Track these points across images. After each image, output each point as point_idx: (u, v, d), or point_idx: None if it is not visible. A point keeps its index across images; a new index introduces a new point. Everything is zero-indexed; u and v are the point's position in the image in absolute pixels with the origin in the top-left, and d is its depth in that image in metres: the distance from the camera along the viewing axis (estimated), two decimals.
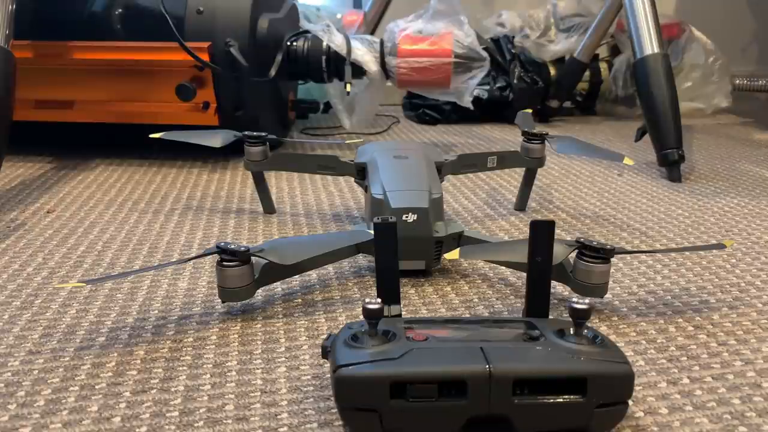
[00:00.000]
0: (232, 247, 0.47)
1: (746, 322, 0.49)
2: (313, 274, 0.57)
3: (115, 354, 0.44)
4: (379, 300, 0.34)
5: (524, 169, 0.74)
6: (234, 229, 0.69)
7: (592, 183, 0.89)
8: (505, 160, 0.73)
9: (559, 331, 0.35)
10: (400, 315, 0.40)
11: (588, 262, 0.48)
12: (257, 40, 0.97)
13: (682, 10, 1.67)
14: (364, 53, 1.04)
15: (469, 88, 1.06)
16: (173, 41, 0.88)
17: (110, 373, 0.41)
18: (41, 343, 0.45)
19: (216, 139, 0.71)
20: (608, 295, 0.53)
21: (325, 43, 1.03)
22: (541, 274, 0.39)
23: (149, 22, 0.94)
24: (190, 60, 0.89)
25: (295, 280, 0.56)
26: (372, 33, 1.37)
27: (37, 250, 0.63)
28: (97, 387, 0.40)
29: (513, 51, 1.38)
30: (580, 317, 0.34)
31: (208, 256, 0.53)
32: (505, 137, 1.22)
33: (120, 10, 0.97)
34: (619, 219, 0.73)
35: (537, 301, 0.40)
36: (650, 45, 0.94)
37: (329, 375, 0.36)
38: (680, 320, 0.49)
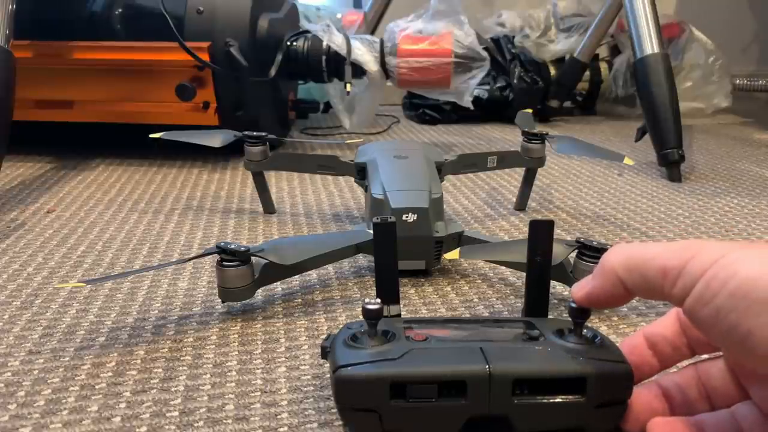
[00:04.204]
0: (232, 247, 0.47)
1: None
2: (313, 274, 0.57)
3: (115, 354, 0.44)
4: (378, 300, 0.34)
5: (524, 169, 0.74)
6: (234, 229, 0.69)
7: (592, 183, 0.89)
8: (505, 160, 0.73)
9: (558, 330, 0.35)
10: (399, 315, 0.40)
11: (588, 262, 0.48)
12: (257, 40, 0.97)
13: (682, 10, 1.67)
14: (364, 53, 1.04)
15: (469, 88, 1.06)
16: (173, 41, 0.88)
17: (110, 373, 0.41)
18: (41, 343, 0.45)
19: (216, 139, 0.71)
20: None
21: (325, 43, 1.03)
22: (541, 274, 0.39)
23: (149, 22, 0.94)
24: (190, 60, 0.89)
25: (295, 280, 0.56)
26: (372, 33, 1.37)
27: (37, 250, 0.63)
28: (97, 387, 0.40)
29: (513, 51, 1.38)
30: (579, 317, 0.34)
31: (208, 256, 0.53)
32: (505, 137, 1.22)
33: (120, 10, 0.97)
34: (619, 219, 0.73)
35: (536, 301, 0.40)
36: (650, 45, 0.94)
37: (329, 375, 0.36)
38: None
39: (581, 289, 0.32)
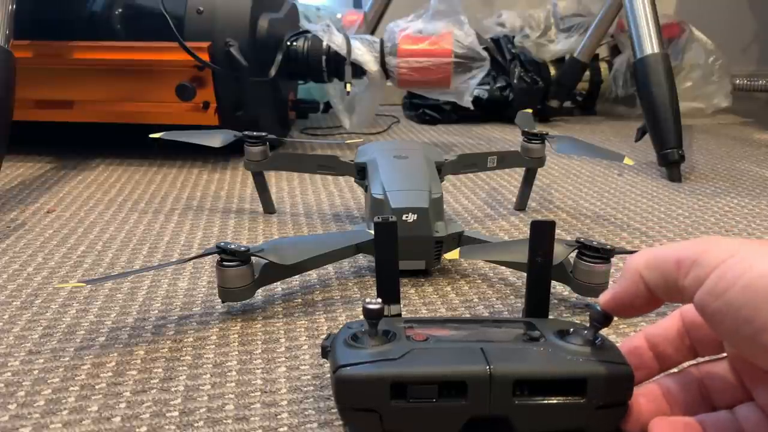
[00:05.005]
0: (232, 247, 0.47)
1: None
2: (313, 274, 0.57)
3: (115, 354, 0.44)
4: (379, 300, 0.34)
5: (524, 169, 0.74)
6: (234, 229, 0.69)
7: (592, 183, 0.89)
8: (505, 160, 0.73)
9: (559, 331, 0.35)
10: (400, 315, 0.40)
11: (588, 262, 0.48)
12: (257, 40, 0.97)
13: (682, 10, 1.67)
14: (364, 53, 1.04)
15: (469, 88, 1.06)
16: (173, 41, 0.88)
17: (110, 373, 0.41)
18: (41, 343, 0.45)
19: (216, 139, 0.71)
20: None
21: (325, 43, 1.03)
22: (541, 274, 0.39)
23: (149, 22, 0.94)
24: (190, 60, 0.89)
25: (295, 280, 0.56)
26: (372, 33, 1.37)
27: (37, 250, 0.63)
28: (97, 387, 0.40)
29: (513, 51, 1.38)
30: (599, 321, 0.33)
31: (208, 256, 0.53)
32: (505, 137, 1.22)
33: (120, 10, 0.97)
34: (619, 219, 0.73)
35: (537, 302, 0.39)
36: (650, 45, 0.94)
37: (329, 375, 0.36)
38: None
39: (607, 293, 0.32)
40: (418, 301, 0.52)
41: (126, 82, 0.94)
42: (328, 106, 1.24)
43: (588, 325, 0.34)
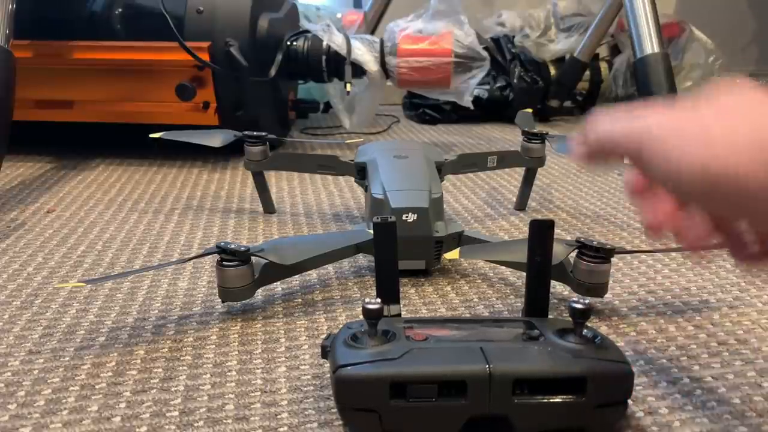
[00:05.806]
0: (232, 246, 0.47)
1: (746, 321, 0.49)
2: (313, 274, 0.57)
3: (115, 354, 0.44)
4: (378, 300, 0.34)
5: (524, 168, 0.74)
6: (234, 229, 0.69)
7: (592, 183, 0.89)
8: (505, 160, 0.73)
9: (558, 331, 0.35)
10: (399, 315, 0.40)
11: (588, 261, 0.48)
12: (257, 40, 0.97)
13: (682, 10, 1.67)
14: (364, 53, 1.04)
15: (469, 88, 1.06)
16: (173, 41, 0.88)
17: (110, 373, 0.41)
18: (41, 343, 0.45)
19: (216, 139, 0.71)
20: (608, 295, 0.53)
21: (325, 43, 1.03)
22: (541, 274, 0.39)
23: (149, 22, 0.94)
24: (190, 60, 0.89)
25: (295, 280, 0.56)
26: (372, 33, 1.37)
27: (37, 250, 0.63)
28: (97, 387, 0.40)
29: (513, 51, 1.38)
30: (579, 317, 0.34)
31: (208, 256, 0.53)
32: (505, 137, 1.22)
33: (120, 10, 0.97)
34: (619, 219, 0.73)
35: (537, 301, 0.40)
36: (650, 44, 0.93)
37: (329, 375, 0.36)
38: (680, 320, 0.49)
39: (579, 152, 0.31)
40: (418, 301, 0.52)
41: (126, 82, 0.94)
42: (328, 106, 1.24)
43: (590, 325, 0.34)
